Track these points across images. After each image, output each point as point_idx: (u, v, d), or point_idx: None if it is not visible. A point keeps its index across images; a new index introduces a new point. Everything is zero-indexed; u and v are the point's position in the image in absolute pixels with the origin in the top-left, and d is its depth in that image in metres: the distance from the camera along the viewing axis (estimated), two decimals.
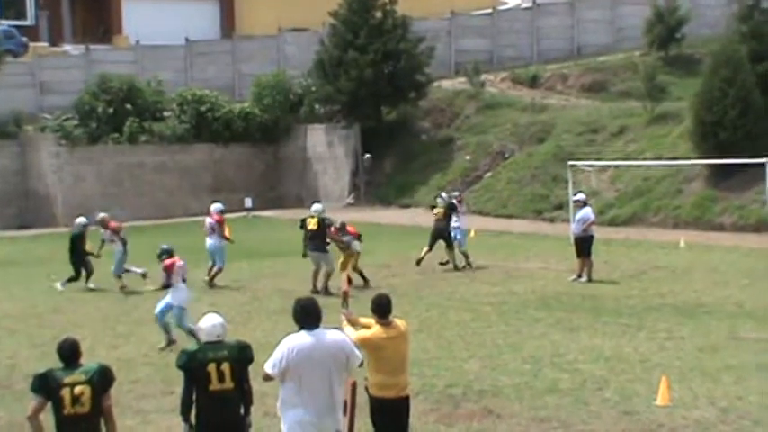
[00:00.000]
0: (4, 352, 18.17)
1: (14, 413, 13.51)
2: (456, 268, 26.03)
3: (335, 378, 8.96)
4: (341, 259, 23.76)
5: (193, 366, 9.52)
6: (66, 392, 9.03)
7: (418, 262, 26.22)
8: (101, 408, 9.17)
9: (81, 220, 25.21)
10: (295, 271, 24.98)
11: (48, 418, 9.19)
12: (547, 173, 41.07)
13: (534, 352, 16.61)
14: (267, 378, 9.12)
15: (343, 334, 9.14)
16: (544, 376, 15.00)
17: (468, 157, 46.14)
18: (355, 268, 23.62)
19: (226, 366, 9.51)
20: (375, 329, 9.97)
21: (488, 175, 44.30)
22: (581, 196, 25.91)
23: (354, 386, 10.17)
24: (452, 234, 26.79)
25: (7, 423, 13.38)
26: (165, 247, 18.51)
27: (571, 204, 33.45)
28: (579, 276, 24.12)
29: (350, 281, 11.26)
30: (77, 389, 9.05)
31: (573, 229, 25.23)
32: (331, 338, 9.06)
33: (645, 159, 38.44)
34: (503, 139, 45.73)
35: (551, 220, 36.69)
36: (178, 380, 15.27)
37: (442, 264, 26.38)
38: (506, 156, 44.79)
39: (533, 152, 43.38)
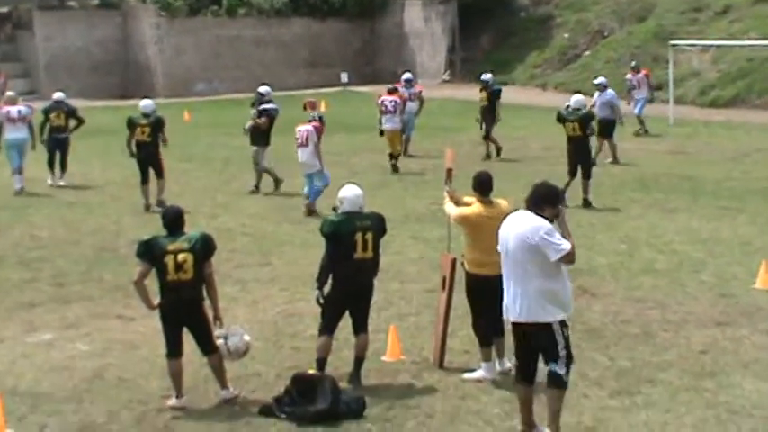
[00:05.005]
0: (109, 217, 18.63)
1: (119, 276, 13.91)
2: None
3: (522, 265, 8.28)
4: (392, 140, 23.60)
5: (341, 234, 9.68)
6: (169, 259, 9.25)
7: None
8: (203, 275, 9.38)
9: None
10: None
11: (152, 284, 9.44)
12: (647, 52, 40.17)
13: (630, 232, 16.53)
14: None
15: (542, 227, 8.26)
16: (640, 256, 14.94)
17: (566, 35, 45.37)
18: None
19: (369, 236, 9.74)
20: (474, 207, 9.97)
21: (587, 53, 43.56)
22: (602, 80, 25.50)
23: (454, 263, 10.26)
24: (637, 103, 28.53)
25: (113, 286, 13.76)
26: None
27: (671, 86, 33.07)
28: (615, 160, 23.84)
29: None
30: (180, 256, 9.25)
31: (596, 111, 24.34)
32: (524, 225, 8.30)
33: (749, 39, 37.36)
34: (602, 17, 44.81)
35: (650, 101, 35.95)
36: (276, 251, 15.66)
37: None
38: (606, 34, 43.94)
39: (633, 31, 42.45)
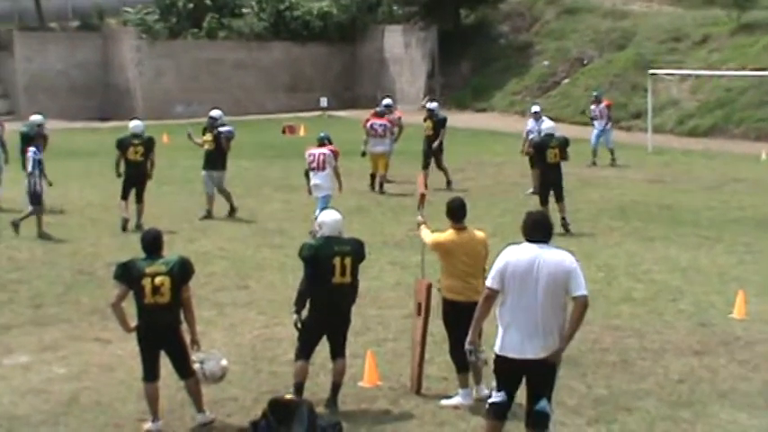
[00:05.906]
0: (86, 240, 18.53)
1: (97, 298, 13.83)
2: None
3: (550, 299, 8.03)
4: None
5: (320, 258, 9.65)
6: (147, 282, 9.21)
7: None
8: (180, 298, 9.35)
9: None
10: (367, 171, 24.77)
11: (130, 306, 9.38)
12: (626, 81, 40.44)
13: (609, 260, 16.55)
14: (488, 293, 8.33)
15: (573, 259, 8.22)
16: (618, 285, 14.96)
17: (546, 63, 45.59)
18: None
19: (348, 261, 9.72)
20: (447, 233, 10.05)
21: (566, 81, 43.77)
22: (537, 108, 25.54)
23: (429, 288, 10.25)
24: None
25: (90, 309, 13.68)
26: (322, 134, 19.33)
27: (650, 114, 33.24)
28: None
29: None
30: (158, 279, 9.22)
31: (535, 138, 23.73)
32: (554, 257, 8.17)
33: (728, 69, 37.64)
34: (582, 46, 45.06)
35: (628, 129, 36.18)
36: (254, 274, 15.60)
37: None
38: (585, 62, 44.18)
39: (613, 59, 42.70)
